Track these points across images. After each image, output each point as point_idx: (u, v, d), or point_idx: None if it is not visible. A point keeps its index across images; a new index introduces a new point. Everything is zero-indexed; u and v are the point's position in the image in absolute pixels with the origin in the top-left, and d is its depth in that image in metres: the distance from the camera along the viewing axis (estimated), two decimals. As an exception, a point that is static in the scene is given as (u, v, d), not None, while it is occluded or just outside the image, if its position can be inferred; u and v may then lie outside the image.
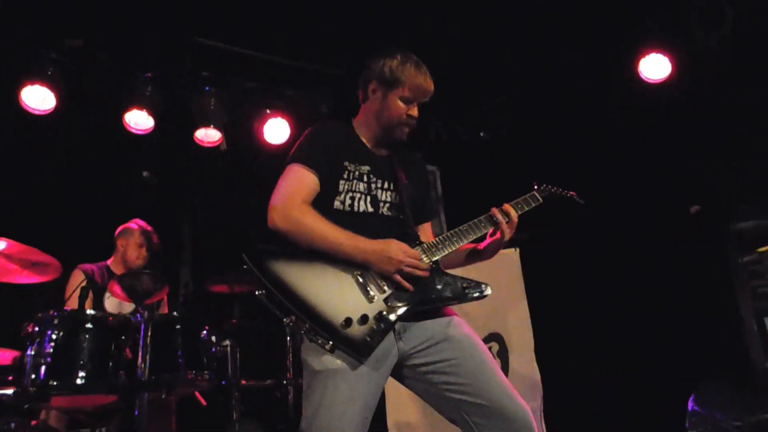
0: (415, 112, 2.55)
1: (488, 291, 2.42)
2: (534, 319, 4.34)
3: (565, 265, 5.29)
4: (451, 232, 2.50)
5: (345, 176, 2.48)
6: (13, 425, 3.27)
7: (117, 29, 4.74)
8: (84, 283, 3.78)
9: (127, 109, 5.02)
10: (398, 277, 2.31)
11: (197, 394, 4.14)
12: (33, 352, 3.16)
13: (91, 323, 3.26)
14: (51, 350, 3.15)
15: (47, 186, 4.95)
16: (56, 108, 4.76)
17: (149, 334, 3.28)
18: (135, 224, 4.52)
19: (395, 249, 2.33)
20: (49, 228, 4.54)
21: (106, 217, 4.76)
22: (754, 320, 4.32)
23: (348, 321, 2.22)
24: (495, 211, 2.56)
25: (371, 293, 2.30)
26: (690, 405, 4.21)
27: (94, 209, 5.03)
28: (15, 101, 4.68)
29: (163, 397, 3.52)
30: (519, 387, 2.43)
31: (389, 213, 2.53)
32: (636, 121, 5.11)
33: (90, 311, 3.44)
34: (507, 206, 2.60)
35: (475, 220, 2.56)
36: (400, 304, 2.31)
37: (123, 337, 3.31)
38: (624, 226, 5.12)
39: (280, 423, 4.73)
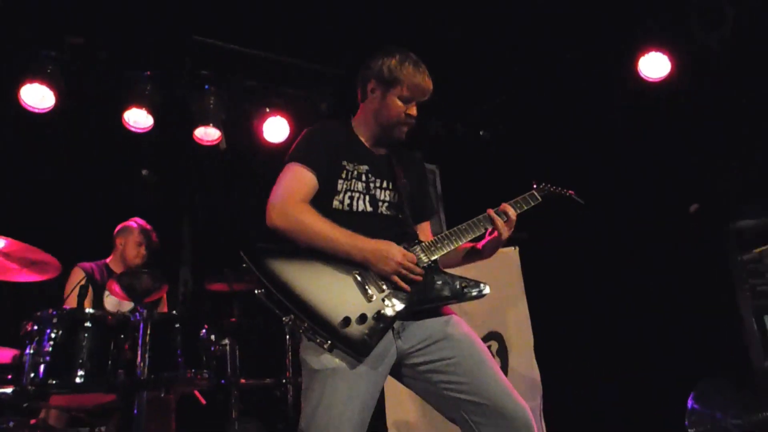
0: (413, 111, 2.55)
1: (487, 290, 2.42)
2: (533, 318, 4.35)
3: (564, 264, 5.29)
4: (450, 231, 2.51)
5: (343, 176, 2.48)
6: (12, 424, 3.26)
7: (116, 28, 4.73)
8: (83, 282, 3.77)
9: (126, 107, 5.01)
10: (396, 278, 2.32)
11: (196, 392, 4.14)
12: (32, 351, 3.15)
13: (90, 322, 3.25)
14: (50, 349, 3.15)
15: (46, 184, 4.95)
16: (55, 106, 4.75)
17: (148, 332, 3.27)
18: (134, 223, 4.53)
19: (394, 249, 2.33)
20: (49, 226, 4.54)
21: (106, 216, 4.76)
22: (753, 319, 4.32)
23: (347, 320, 2.22)
24: (491, 212, 2.56)
25: (370, 292, 2.30)
26: (689, 404, 4.21)
27: (93, 208, 5.03)
28: (14, 99, 4.68)
29: (163, 395, 3.53)
30: (518, 386, 2.43)
31: (388, 212, 2.53)
32: (636, 120, 5.11)
33: (89, 310, 3.44)
34: (505, 205, 2.60)
35: (474, 219, 2.56)
36: (398, 304, 2.31)
37: (122, 336, 3.30)
38: (623, 224, 5.12)
39: (280, 422, 4.72)
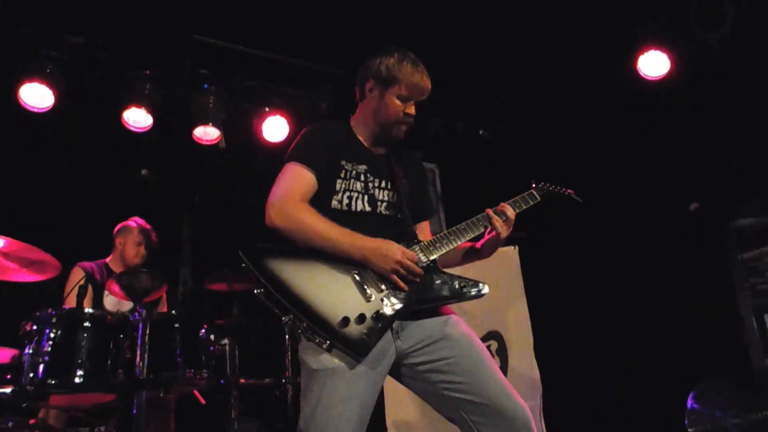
0: (412, 110, 2.55)
1: (486, 290, 2.42)
2: (533, 318, 4.34)
3: (564, 263, 5.29)
4: (449, 230, 2.50)
5: (342, 175, 2.48)
6: (11, 424, 3.25)
7: (116, 27, 4.74)
8: (82, 281, 3.77)
9: (125, 106, 5.01)
10: (395, 277, 2.31)
11: (196, 392, 4.13)
12: (31, 351, 3.15)
13: (90, 322, 3.26)
14: (49, 349, 3.15)
15: (46, 184, 4.95)
16: (55, 106, 4.75)
17: (148, 332, 3.27)
18: (133, 222, 4.52)
19: (394, 247, 2.32)
20: (48, 226, 4.54)
21: (105, 215, 4.75)
22: (753, 318, 4.32)
23: (345, 320, 2.22)
24: (489, 211, 2.56)
25: (369, 292, 2.29)
26: (689, 403, 4.21)
27: (92, 207, 5.02)
28: (14, 99, 4.68)
29: (162, 395, 3.52)
30: (518, 386, 2.43)
31: (387, 212, 2.52)
32: (635, 119, 5.11)
33: (88, 310, 3.44)
34: (504, 205, 2.60)
35: (473, 218, 2.55)
36: (397, 303, 2.30)
37: (121, 336, 3.30)
38: (623, 224, 5.12)
39: (279, 421, 4.72)
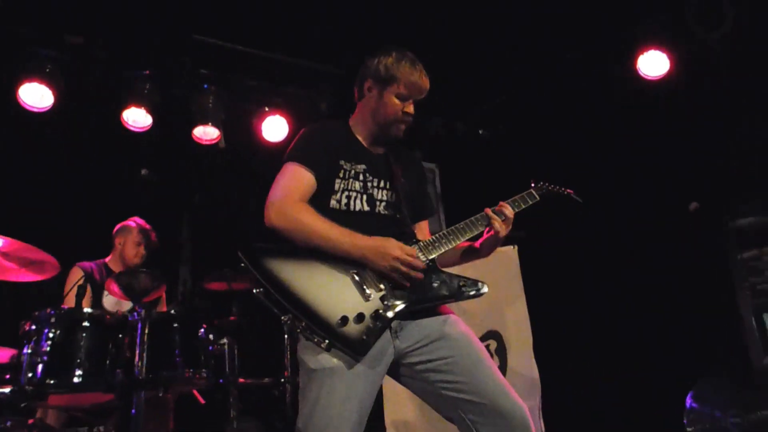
0: (410, 109, 2.55)
1: (485, 289, 2.41)
2: (532, 317, 4.34)
3: (563, 262, 5.29)
4: (448, 230, 2.50)
5: (341, 175, 2.48)
6: (9, 424, 3.25)
7: (116, 27, 4.74)
8: (81, 281, 3.77)
9: (125, 106, 5.01)
10: (395, 275, 2.31)
11: (195, 392, 4.13)
12: (30, 351, 3.15)
13: (89, 321, 3.26)
14: (48, 348, 3.15)
15: (45, 183, 4.94)
16: (54, 105, 4.75)
17: (147, 332, 3.27)
18: (133, 222, 4.53)
19: (393, 245, 2.32)
20: (48, 226, 4.53)
21: (105, 215, 4.75)
22: (753, 318, 4.32)
23: (344, 319, 2.21)
24: (488, 211, 2.55)
25: (368, 291, 2.29)
26: (688, 402, 4.21)
27: (92, 207, 5.02)
28: (13, 98, 4.67)
29: (161, 395, 3.52)
30: (517, 385, 2.43)
31: (385, 212, 2.52)
32: (635, 119, 5.11)
33: (87, 309, 3.45)
34: (503, 204, 2.60)
35: (472, 218, 2.55)
36: (396, 303, 2.30)
37: (120, 336, 3.30)
38: (623, 223, 5.12)
39: (278, 421, 4.72)
